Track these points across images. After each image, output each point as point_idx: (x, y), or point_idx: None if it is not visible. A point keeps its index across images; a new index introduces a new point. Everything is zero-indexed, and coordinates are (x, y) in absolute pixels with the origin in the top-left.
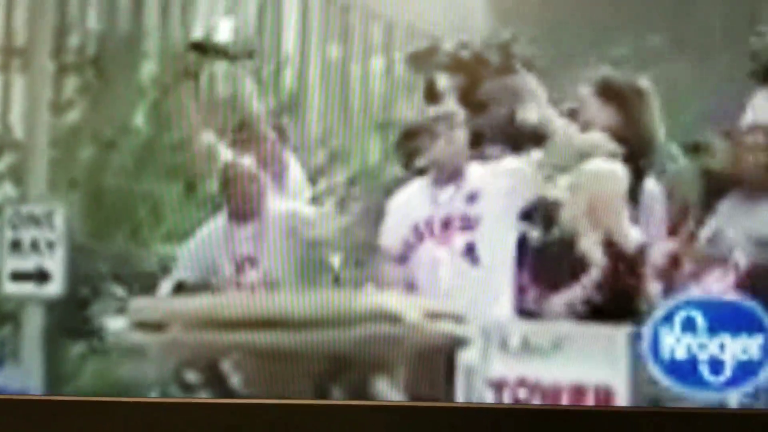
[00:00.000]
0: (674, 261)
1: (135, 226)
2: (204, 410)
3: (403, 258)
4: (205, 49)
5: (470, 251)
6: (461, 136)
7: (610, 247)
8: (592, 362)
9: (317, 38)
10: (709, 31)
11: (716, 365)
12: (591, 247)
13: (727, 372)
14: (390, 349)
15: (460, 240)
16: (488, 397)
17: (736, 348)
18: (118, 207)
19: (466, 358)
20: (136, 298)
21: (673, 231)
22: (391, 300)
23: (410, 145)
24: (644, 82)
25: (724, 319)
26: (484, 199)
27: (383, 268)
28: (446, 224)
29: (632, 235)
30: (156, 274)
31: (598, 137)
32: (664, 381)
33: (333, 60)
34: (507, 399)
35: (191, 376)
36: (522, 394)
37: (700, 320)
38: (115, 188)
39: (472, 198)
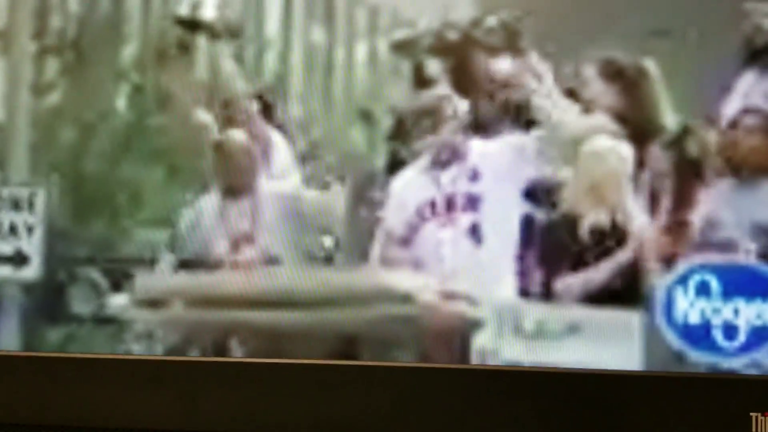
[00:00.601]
0: (666, 245)
1: (115, 211)
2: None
3: (406, 240)
4: (192, 25)
5: (474, 231)
6: (459, 119)
7: (614, 228)
8: (607, 348)
9: (301, 21)
10: (696, 14)
11: (730, 330)
12: (595, 227)
13: (741, 337)
14: (401, 330)
15: (464, 220)
16: None
17: (750, 313)
18: (99, 191)
19: (473, 340)
20: (121, 282)
21: (661, 215)
22: (401, 280)
23: (406, 130)
24: (649, 62)
25: (738, 283)
26: (486, 177)
27: (387, 250)
28: (450, 204)
29: (636, 216)
30: (138, 260)
31: (600, 119)
32: (677, 345)
33: (316, 44)
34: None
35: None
36: None
37: (714, 284)
38: (96, 172)
39: (474, 176)
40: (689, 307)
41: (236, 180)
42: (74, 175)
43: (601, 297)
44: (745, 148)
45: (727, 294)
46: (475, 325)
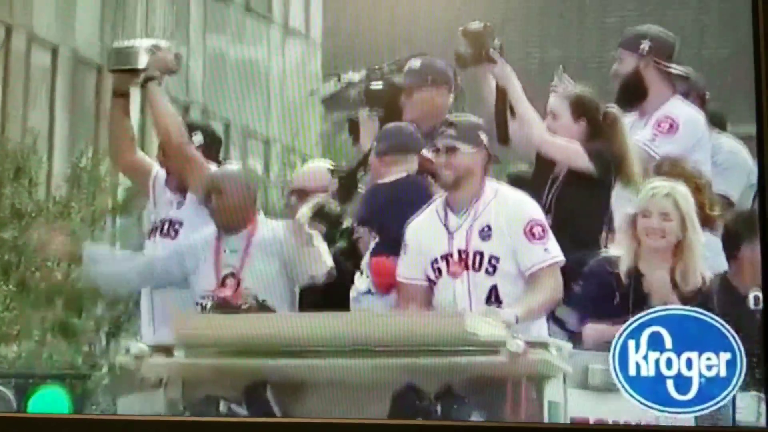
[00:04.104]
0: None
1: None
2: None
3: (425, 291)
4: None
5: (492, 295)
6: (480, 155)
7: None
8: None
9: None
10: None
11: (683, 382)
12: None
13: (694, 389)
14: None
15: (482, 280)
16: None
17: (703, 365)
18: None
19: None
20: None
21: None
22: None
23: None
24: (613, 107)
25: (691, 336)
26: (497, 237)
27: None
28: (462, 260)
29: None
30: None
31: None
32: (632, 398)
33: None
34: None
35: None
36: None
37: (666, 337)
38: None
39: (485, 233)
40: (642, 360)
41: None
42: None
43: None
44: None
45: (680, 346)
46: (552, 375)
